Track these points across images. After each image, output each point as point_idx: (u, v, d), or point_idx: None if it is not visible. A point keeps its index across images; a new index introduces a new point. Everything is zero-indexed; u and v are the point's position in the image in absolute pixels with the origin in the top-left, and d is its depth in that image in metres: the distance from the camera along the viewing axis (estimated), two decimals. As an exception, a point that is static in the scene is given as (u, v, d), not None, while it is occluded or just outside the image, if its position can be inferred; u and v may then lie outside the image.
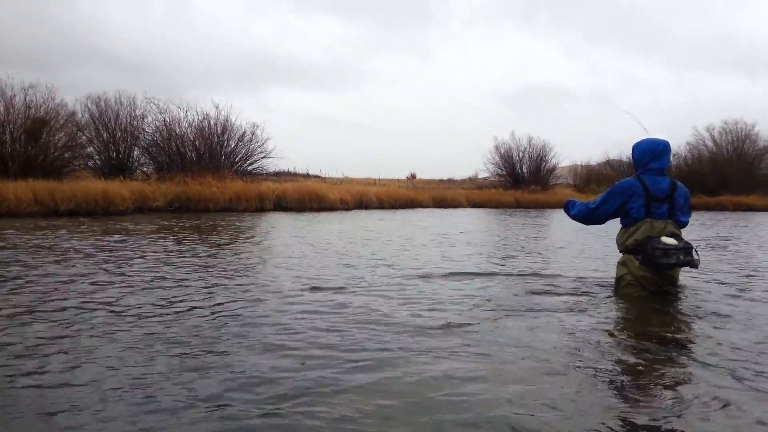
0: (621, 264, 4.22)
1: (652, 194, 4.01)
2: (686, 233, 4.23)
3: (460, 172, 47.70)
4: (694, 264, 3.92)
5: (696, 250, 3.94)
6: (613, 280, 4.38)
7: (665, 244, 3.86)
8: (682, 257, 3.86)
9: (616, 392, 2.21)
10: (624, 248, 4.17)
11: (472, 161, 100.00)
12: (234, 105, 31.10)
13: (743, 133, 37.48)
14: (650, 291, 4.03)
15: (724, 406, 2.05)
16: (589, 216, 4.39)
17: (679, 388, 2.25)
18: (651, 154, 4.12)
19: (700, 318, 3.48)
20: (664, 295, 4.05)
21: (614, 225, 4.42)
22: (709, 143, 38.15)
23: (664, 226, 3.99)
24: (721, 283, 4.78)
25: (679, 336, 3.05)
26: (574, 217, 4.54)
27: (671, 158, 4.16)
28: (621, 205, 4.14)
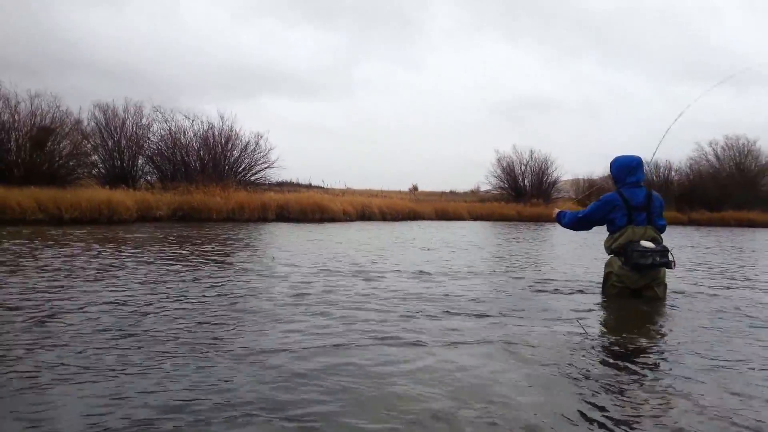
0: (607, 264, 4.70)
1: (631, 205, 4.48)
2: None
3: (462, 185, 47.48)
4: (668, 265, 4.35)
5: (671, 253, 4.36)
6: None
7: (643, 247, 4.31)
8: (658, 259, 4.30)
9: (590, 393, 2.21)
10: (610, 251, 4.65)
11: (473, 173, 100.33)
12: (236, 115, 31.27)
13: (745, 149, 37.66)
14: (632, 288, 4.46)
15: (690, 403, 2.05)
16: (578, 224, 4.94)
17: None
18: (626, 170, 4.63)
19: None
20: (649, 294, 4.46)
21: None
22: (712, 158, 38.26)
23: (644, 231, 4.45)
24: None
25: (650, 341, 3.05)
26: (566, 226, 5.08)
27: (645, 170, 4.68)
28: (603, 215, 4.64)
